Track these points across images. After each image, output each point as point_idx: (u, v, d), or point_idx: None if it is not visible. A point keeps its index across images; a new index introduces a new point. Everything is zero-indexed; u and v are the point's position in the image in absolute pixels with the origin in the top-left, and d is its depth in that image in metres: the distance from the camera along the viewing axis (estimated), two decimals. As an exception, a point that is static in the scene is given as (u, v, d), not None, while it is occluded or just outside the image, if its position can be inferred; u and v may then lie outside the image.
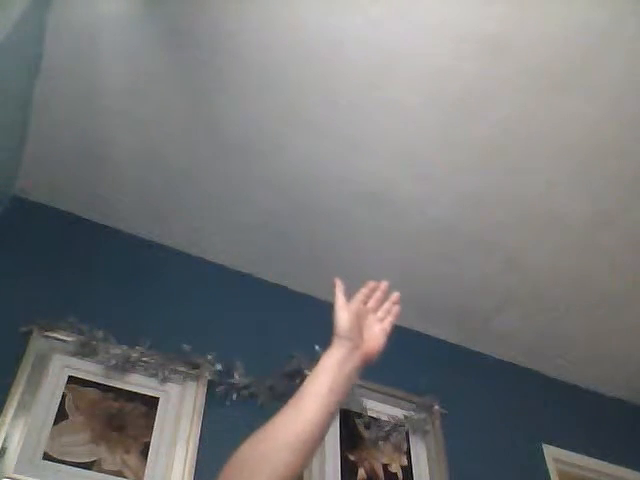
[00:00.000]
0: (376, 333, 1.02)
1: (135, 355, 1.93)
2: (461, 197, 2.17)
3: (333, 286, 1.06)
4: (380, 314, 1.08)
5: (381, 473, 2.10)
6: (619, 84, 1.84)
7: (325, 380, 0.89)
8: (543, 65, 1.80)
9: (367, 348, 0.99)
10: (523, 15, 1.70)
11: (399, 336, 2.58)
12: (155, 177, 2.17)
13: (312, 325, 2.37)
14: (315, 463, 1.99)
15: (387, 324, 1.06)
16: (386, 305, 1.10)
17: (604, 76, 1.82)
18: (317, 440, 0.82)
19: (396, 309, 1.10)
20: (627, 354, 2.75)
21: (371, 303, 1.09)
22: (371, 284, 1.10)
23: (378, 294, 1.10)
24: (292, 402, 0.87)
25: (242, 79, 1.88)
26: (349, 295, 1.08)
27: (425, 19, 1.72)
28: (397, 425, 2.22)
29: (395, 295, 1.12)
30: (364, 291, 1.09)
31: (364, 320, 1.04)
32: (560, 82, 1.84)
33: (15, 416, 1.68)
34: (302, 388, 0.90)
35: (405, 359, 2.48)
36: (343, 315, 0.99)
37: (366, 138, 2.02)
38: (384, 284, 1.11)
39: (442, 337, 2.67)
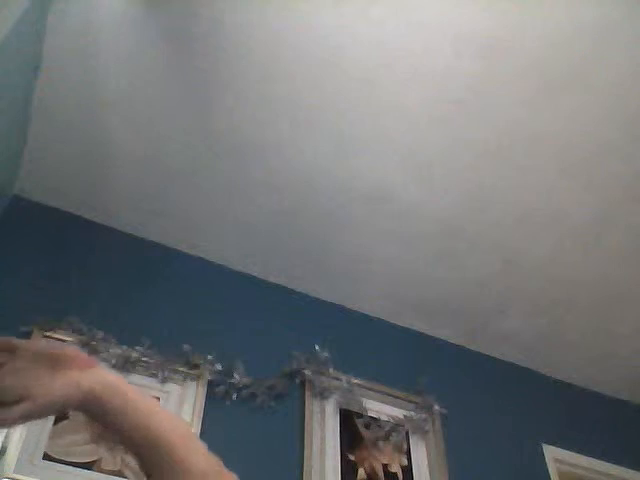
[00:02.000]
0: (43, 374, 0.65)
1: (135, 355, 1.93)
2: (461, 197, 2.17)
3: None
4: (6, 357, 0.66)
5: (381, 473, 2.10)
6: (619, 84, 1.84)
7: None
8: (543, 65, 1.80)
9: (62, 395, 0.65)
10: (523, 15, 1.70)
11: (399, 336, 2.60)
12: (155, 177, 2.16)
13: (312, 325, 2.38)
14: (315, 463, 1.99)
15: (24, 355, 0.66)
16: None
17: (604, 76, 1.82)
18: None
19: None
20: (627, 354, 2.75)
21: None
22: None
23: None
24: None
25: (242, 79, 1.88)
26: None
27: (425, 19, 1.73)
28: (397, 425, 2.22)
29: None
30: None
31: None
32: (560, 82, 1.84)
33: (15, 416, 1.67)
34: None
35: (405, 359, 2.48)
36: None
37: (366, 138, 2.02)
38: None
39: (442, 337, 2.67)
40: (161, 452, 0.67)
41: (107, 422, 0.68)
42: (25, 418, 0.64)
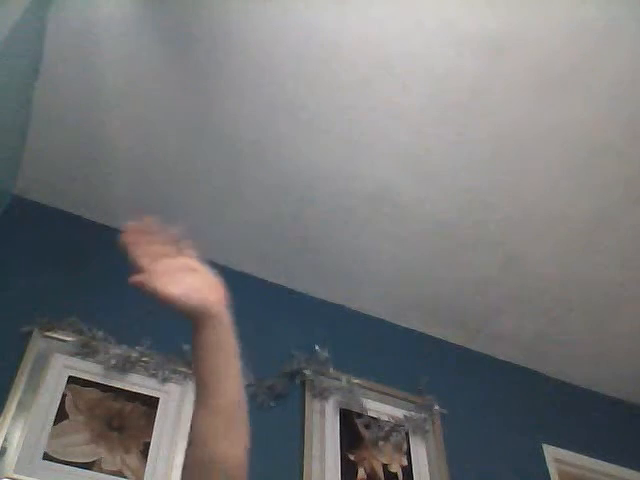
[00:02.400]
0: (199, 280, 0.82)
1: (135, 355, 1.93)
2: (461, 197, 2.17)
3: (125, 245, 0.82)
4: (180, 261, 0.83)
5: (381, 473, 2.10)
6: (619, 84, 1.84)
7: (215, 368, 0.77)
8: (543, 65, 1.80)
9: (213, 303, 0.81)
10: (523, 16, 1.70)
11: (399, 336, 2.61)
12: (155, 177, 2.16)
13: (312, 325, 2.38)
14: (315, 463, 1.99)
15: (191, 261, 0.83)
16: (166, 238, 0.86)
17: (604, 76, 1.82)
18: (244, 415, 0.77)
19: (173, 234, 0.84)
20: (627, 354, 2.75)
21: (155, 247, 0.85)
22: (131, 227, 0.86)
23: (146, 235, 0.86)
24: (199, 399, 0.76)
25: (242, 79, 1.88)
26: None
27: (425, 19, 1.73)
28: (397, 425, 2.22)
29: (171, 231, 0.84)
30: (132, 240, 0.85)
31: (183, 281, 0.80)
32: (560, 82, 1.84)
33: (15, 416, 1.68)
34: (198, 384, 0.78)
35: (405, 359, 2.48)
36: (174, 290, 0.78)
37: (366, 138, 2.02)
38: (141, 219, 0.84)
39: (442, 337, 2.67)
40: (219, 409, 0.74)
41: (208, 342, 0.77)
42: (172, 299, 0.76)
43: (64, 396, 1.79)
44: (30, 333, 1.85)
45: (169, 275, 0.80)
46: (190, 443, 0.75)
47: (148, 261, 0.81)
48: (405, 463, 2.17)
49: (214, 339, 0.79)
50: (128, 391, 1.89)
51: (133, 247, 0.82)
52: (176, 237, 0.86)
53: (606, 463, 2.57)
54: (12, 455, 1.62)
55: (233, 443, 0.74)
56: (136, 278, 0.79)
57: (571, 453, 2.54)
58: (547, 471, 2.44)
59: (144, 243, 0.84)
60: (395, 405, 2.29)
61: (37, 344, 1.84)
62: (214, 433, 0.74)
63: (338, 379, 2.21)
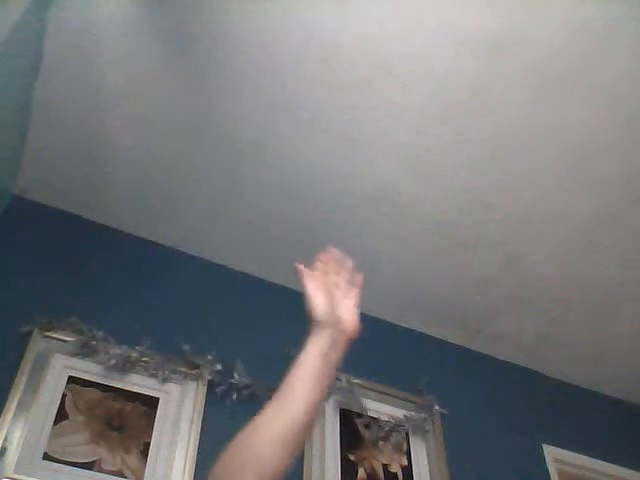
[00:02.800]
0: (348, 309, 0.95)
1: (135, 355, 1.93)
2: (461, 197, 2.17)
3: (297, 272, 1.01)
4: (343, 286, 0.98)
5: (381, 473, 2.10)
6: (619, 84, 1.84)
7: (309, 376, 0.84)
8: (543, 65, 1.80)
9: (346, 328, 0.92)
10: (523, 16, 1.70)
11: (399, 336, 2.60)
12: (155, 177, 2.17)
13: (312, 325, 2.38)
14: (315, 463, 1.99)
15: (355, 296, 0.97)
16: (346, 275, 0.99)
17: (604, 76, 1.82)
18: (302, 435, 0.81)
19: (358, 278, 0.98)
20: (627, 354, 2.75)
21: (331, 277, 1.00)
22: (324, 256, 1.02)
23: (333, 265, 1.02)
24: (276, 398, 0.83)
25: (242, 79, 1.88)
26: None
27: (425, 19, 1.72)
28: (397, 425, 2.22)
29: (349, 262, 1.00)
30: (321, 265, 1.02)
31: (333, 298, 0.96)
32: (560, 82, 1.84)
33: (15, 416, 1.68)
34: (286, 383, 0.85)
35: (405, 359, 2.48)
36: (318, 300, 0.95)
37: (366, 138, 2.02)
38: (334, 251, 1.02)
39: (442, 337, 2.67)
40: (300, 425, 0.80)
41: (317, 349, 0.88)
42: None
43: (64, 396, 1.79)
44: (30, 333, 1.85)
45: (327, 288, 0.96)
46: (244, 438, 0.79)
47: (321, 274, 0.98)
48: (405, 463, 2.17)
49: (324, 350, 0.88)
50: (128, 391, 1.89)
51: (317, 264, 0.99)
52: (350, 269, 1.00)
53: (606, 463, 2.57)
54: (12, 455, 1.62)
55: (282, 454, 0.77)
56: (303, 268, 0.97)
57: (571, 453, 2.54)
58: (547, 471, 2.44)
59: (327, 268, 1.00)
60: (395, 405, 2.29)
61: (37, 344, 1.84)
62: (271, 437, 0.77)
63: (338, 379, 2.21)
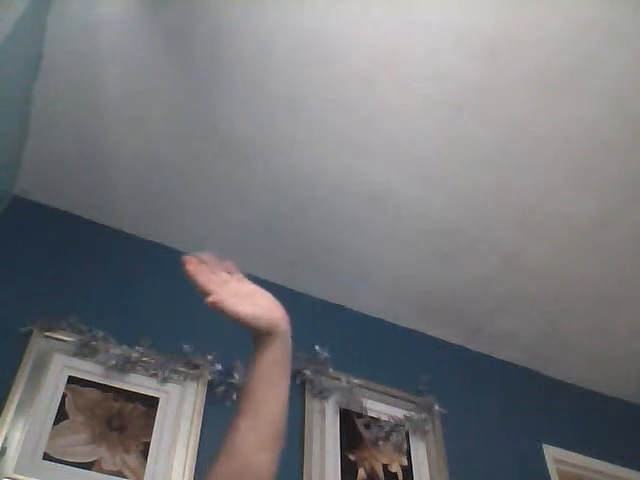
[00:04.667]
0: (260, 297, 0.91)
1: (135, 355, 1.93)
2: (461, 197, 2.17)
3: (184, 265, 0.89)
4: (229, 278, 0.93)
5: (381, 473, 2.10)
6: (619, 84, 1.84)
7: (271, 382, 0.83)
8: (543, 65, 1.80)
9: (278, 318, 0.89)
10: (523, 16, 1.70)
11: (399, 336, 2.61)
12: (155, 177, 2.16)
13: (312, 325, 2.38)
14: (315, 463, 1.99)
15: (246, 281, 0.94)
16: (219, 267, 0.94)
17: (604, 76, 1.82)
18: (282, 431, 0.81)
19: (227, 264, 0.94)
20: (627, 354, 2.75)
21: (214, 277, 0.92)
22: (190, 259, 0.91)
23: (204, 265, 0.93)
24: (245, 409, 0.81)
25: (242, 79, 1.88)
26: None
27: (425, 19, 1.72)
28: (397, 425, 2.22)
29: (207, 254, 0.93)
30: (194, 269, 0.91)
31: (244, 297, 0.90)
32: (560, 82, 1.84)
33: (15, 416, 1.68)
34: (248, 394, 0.83)
35: (405, 359, 2.48)
36: (240, 308, 0.87)
37: (366, 138, 2.02)
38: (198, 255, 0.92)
39: (442, 337, 2.67)
40: (262, 424, 0.79)
41: (269, 357, 0.85)
42: (245, 317, 0.85)
43: (64, 396, 1.80)
44: (30, 333, 1.85)
45: (238, 297, 0.89)
46: (226, 454, 0.77)
47: (214, 286, 0.89)
48: (405, 463, 2.17)
49: (276, 355, 0.86)
50: (128, 391, 1.89)
51: (198, 275, 0.89)
52: (231, 267, 0.97)
53: (606, 463, 2.57)
54: (12, 455, 1.62)
55: (271, 457, 0.77)
56: (210, 299, 0.86)
57: (571, 453, 2.54)
58: (547, 471, 2.44)
59: (207, 272, 0.91)
60: (395, 405, 2.29)
61: (37, 344, 1.84)
62: (257, 445, 0.77)
63: (338, 379, 2.21)
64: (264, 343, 0.87)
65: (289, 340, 0.89)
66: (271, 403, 0.82)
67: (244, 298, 0.90)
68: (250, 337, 0.88)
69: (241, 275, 0.96)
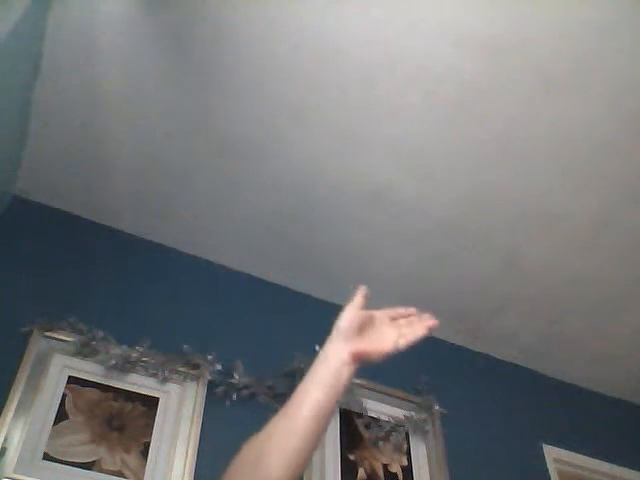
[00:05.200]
0: (387, 337, 0.96)
1: (135, 355, 1.93)
2: (461, 197, 2.17)
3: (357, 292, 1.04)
4: (403, 327, 1.00)
5: (381, 473, 2.10)
6: (619, 84, 1.84)
7: (319, 394, 0.85)
8: (543, 65, 1.80)
9: (369, 347, 0.92)
10: (523, 15, 1.70)
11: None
12: (155, 177, 2.16)
13: (312, 325, 2.37)
14: (315, 463, 1.99)
15: (407, 335, 0.98)
16: (412, 320, 1.02)
17: (604, 76, 1.82)
18: (312, 448, 0.82)
19: (423, 327, 1.02)
20: (627, 354, 2.75)
21: (395, 320, 1.02)
22: (403, 310, 1.04)
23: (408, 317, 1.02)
24: (286, 411, 0.84)
25: (242, 79, 1.88)
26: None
27: (425, 19, 1.72)
28: (397, 425, 2.22)
29: (427, 316, 1.04)
30: (392, 312, 1.03)
31: (374, 326, 0.98)
32: (560, 82, 1.84)
33: (15, 416, 1.68)
34: (297, 395, 0.86)
35: (405, 359, 2.47)
36: (348, 313, 0.97)
37: (366, 138, 2.02)
38: (413, 311, 1.04)
39: (442, 337, 2.67)
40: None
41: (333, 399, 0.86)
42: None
43: (64, 396, 1.79)
44: (30, 333, 1.85)
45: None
46: (252, 457, 0.79)
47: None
48: (405, 463, 2.17)
49: (344, 377, 0.88)
50: (128, 391, 1.89)
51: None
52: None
53: (606, 463, 2.57)
54: (12, 455, 1.62)
55: (292, 476, 0.79)
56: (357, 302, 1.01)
57: (571, 453, 2.54)
58: (547, 471, 2.44)
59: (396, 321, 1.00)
60: (395, 405, 2.29)
61: (37, 344, 1.84)
62: (287, 455, 0.79)
63: (338, 379, 2.20)
64: (332, 345, 0.91)
65: (352, 368, 0.92)
66: (310, 419, 0.82)
67: (371, 323, 1.01)
68: (355, 361, 0.90)
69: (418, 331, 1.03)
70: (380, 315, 1.00)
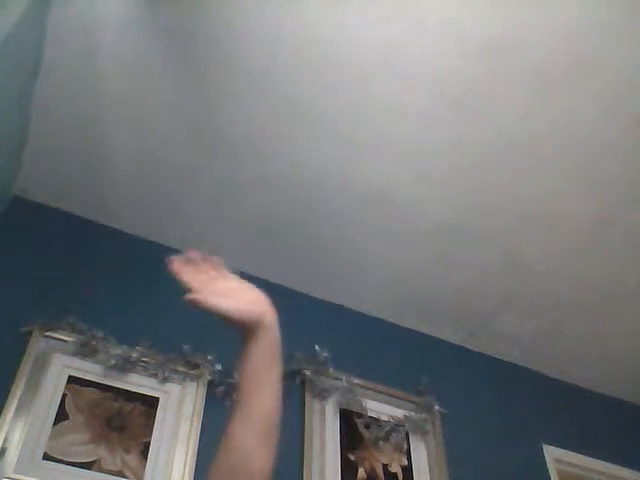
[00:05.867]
0: (245, 292, 0.93)
1: (135, 355, 1.93)
2: (461, 197, 2.17)
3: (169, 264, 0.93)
4: (214, 275, 0.94)
5: (381, 473, 2.10)
6: (619, 84, 1.84)
7: (255, 380, 0.83)
8: (544, 66, 1.80)
9: (263, 312, 0.90)
10: (524, 16, 1.70)
11: (399, 336, 2.60)
12: (155, 177, 2.16)
13: (312, 325, 2.38)
14: (315, 463, 1.99)
15: (232, 277, 0.95)
16: (205, 265, 0.95)
17: (604, 76, 1.82)
18: (277, 419, 0.81)
19: (215, 261, 0.95)
20: (627, 354, 2.75)
21: (199, 275, 0.93)
22: (175, 258, 0.95)
23: (190, 264, 0.95)
24: (240, 401, 0.81)
25: (242, 79, 1.88)
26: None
27: (425, 19, 1.72)
28: (397, 425, 2.22)
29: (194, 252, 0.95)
30: (179, 268, 0.94)
31: (223, 291, 0.90)
32: (560, 82, 1.84)
33: (15, 416, 1.68)
34: (239, 389, 0.83)
35: (405, 359, 2.48)
36: (224, 303, 0.86)
37: (366, 138, 2.02)
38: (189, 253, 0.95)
39: (442, 337, 2.67)
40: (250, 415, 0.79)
41: (257, 350, 0.85)
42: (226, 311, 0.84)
43: (64, 396, 1.80)
44: (30, 333, 1.85)
45: (222, 293, 0.89)
46: (224, 449, 0.78)
47: (198, 284, 0.90)
48: (405, 463, 2.17)
49: (264, 346, 0.86)
50: (128, 391, 1.89)
51: (182, 274, 0.91)
52: (218, 263, 0.98)
53: (606, 463, 2.57)
54: (12, 455, 1.62)
55: (267, 452, 0.78)
56: (191, 296, 0.85)
57: (571, 453, 2.54)
58: (547, 471, 2.44)
59: (192, 270, 0.93)
60: (395, 405, 2.29)
61: (37, 344, 1.84)
62: (251, 438, 0.77)
63: (338, 379, 2.21)
64: (250, 336, 0.86)
65: (276, 332, 0.89)
66: (262, 395, 0.81)
67: (228, 294, 0.90)
68: (239, 335, 0.87)
69: (227, 271, 0.97)
70: (200, 279, 0.93)
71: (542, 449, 2.50)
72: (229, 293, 0.90)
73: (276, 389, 0.83)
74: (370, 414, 2.21)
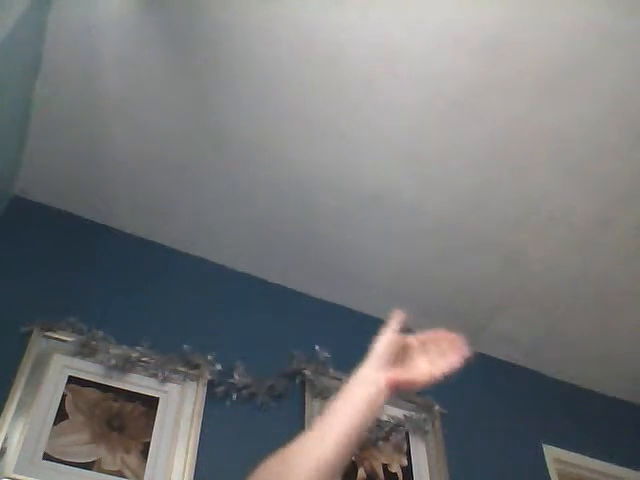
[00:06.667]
0: (422, 366, 0.96)
1: (135, 355, 1.93)
2: (461, 197, 2.17)
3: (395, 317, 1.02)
4: (436, 357, 0.98)
5: (381, 473, 2.10)
6: (619, 84, 1.84)
7: (353, 414, 0.87)
8: (543, 65, 1.80)
9: (405, 376, 0.93)
10: (523, 16, 1.70)
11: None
12: (155, 177, 2.16)
13: (312, 325, 2.38)
14: (315, 463, 1.99)
15: (441, 367, 0.96)
16: (444, 348, 1.00)
17: (604, 76, 1.82)
18: (341, 462, 0.81)
19: (457, 358, 0.97)
20: (627, 354, 2.75)
21: (425, 345, 1.01)
22: (440, 333, 1.02)
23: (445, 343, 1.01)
24: (316, 430, 0.85)
25: (242, 79, 1.88)
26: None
27: (425, 19, 1.73)
28: (397, 425, 2.22)
29: (459, 342, 1.00)
30: (423, 336, 1.01)
31: (407, 352, 0.99)
32: (560, 82, 1.84)
33: (15, 416, 1.68)
34: (330, 413, 0.88)
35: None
36: (385, 338, 0.98)
37: (366, 138, 2.02)
38: (453, 335, 1.01)
39: (442, 337, 2.67)
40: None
41: (379, 404, 0.89)
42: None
43: (64, 396, 1.79)
44: (30, 333, 1.85)
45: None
46: (279, 468, 0.78)
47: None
48: (405, 463, 2.17)
49: (379, 409, 0.89)
50: (128, 391, 1.89)
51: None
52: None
53: (606, 463, 2.57)
54: (12, 455, 1.62)
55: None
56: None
57: (571, 453, 2.53)
58: (547, 471, 2.44)
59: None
60: (395, 405, 2.28)
61: (37, 344, 1.84)
62: (316, 465, 0.78)
63: (338, 379, 2.21)
64: (368, 372, 0.93)
65: (385, 398, 0.93)
66: (347, 444, 0.82)
67: (406, 350, 1.00)
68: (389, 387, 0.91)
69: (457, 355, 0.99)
70: (413, 341, 1.00)
71: (542, 449, 2.49)
72: (408, 352, 0.98)
73: (351, 450, 0.84)
74: (370, 414, 2.21)
